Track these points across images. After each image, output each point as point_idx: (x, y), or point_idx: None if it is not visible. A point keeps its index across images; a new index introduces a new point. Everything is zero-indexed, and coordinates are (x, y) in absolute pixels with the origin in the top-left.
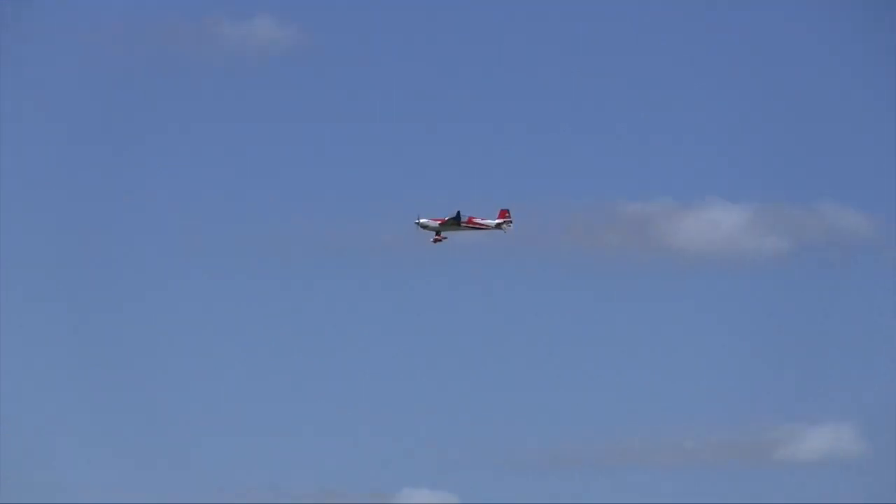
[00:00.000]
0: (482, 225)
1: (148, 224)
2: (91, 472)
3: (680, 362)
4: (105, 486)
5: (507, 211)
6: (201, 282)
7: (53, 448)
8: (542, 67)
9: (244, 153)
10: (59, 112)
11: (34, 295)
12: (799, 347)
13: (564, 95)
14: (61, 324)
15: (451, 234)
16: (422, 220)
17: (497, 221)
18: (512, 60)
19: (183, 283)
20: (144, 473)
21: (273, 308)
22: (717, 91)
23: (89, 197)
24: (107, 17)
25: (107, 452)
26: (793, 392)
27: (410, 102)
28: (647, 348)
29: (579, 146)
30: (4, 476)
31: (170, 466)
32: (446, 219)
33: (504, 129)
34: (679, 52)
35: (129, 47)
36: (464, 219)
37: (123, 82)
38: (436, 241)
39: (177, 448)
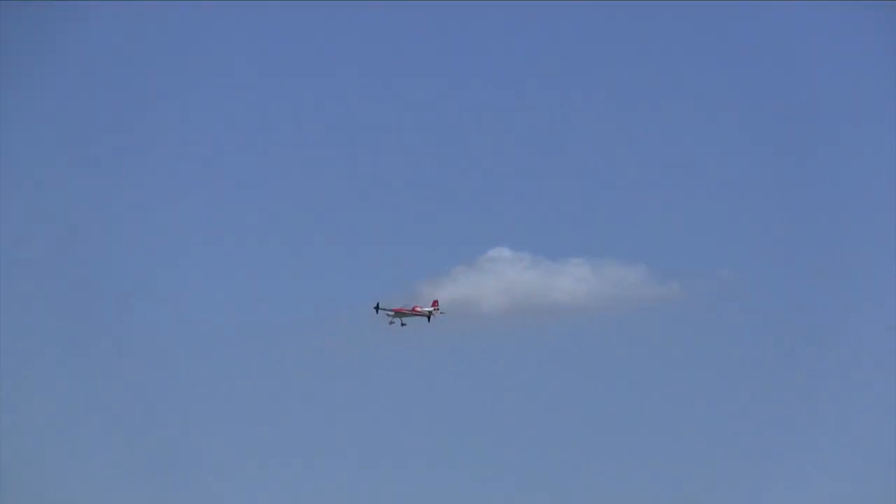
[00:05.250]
0: (421, 312)
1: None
2: (90, 472)
3: None
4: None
5: (437, 301)
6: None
7: (52, 449)
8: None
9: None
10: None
11: (33, 295)
12: None
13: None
14: (59, 324)
15: (401, 319)
16: (381, 309)
17: (429, 309)
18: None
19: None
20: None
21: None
22: None
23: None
24: None
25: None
26: None
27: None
28: None
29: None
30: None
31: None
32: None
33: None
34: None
35: None
36: (410, 307)
37: None
38: (391, 323)
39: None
